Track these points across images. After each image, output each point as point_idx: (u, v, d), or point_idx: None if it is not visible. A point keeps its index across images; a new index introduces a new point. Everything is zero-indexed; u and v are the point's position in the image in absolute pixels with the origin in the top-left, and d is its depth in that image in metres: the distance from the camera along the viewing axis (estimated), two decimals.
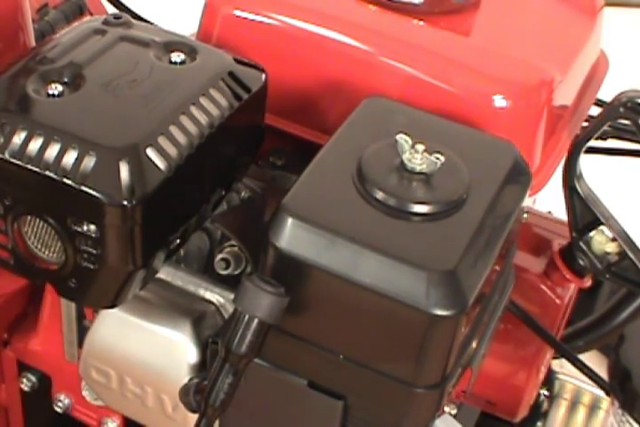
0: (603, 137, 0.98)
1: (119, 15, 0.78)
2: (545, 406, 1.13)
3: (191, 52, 0.75)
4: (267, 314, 0.60)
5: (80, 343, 0.86)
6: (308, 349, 0.66)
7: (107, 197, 0.65)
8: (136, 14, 1.01)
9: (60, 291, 0.73)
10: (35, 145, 0.66)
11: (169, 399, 0.79)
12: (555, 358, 1.03)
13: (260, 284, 0.60)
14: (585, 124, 0.91)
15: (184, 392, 0.70)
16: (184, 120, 0.70)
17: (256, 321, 0.60)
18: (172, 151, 0.68)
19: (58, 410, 0.96)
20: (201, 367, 0.74)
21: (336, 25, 0.82)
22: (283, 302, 0.60)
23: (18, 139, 0.67)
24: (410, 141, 0.66)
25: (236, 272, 0.76)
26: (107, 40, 0.75)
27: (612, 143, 1.03)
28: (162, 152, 0.67)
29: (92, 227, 0.66)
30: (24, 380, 0.98)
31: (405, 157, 0.66)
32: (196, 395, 0.68)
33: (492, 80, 0.80)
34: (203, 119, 0.71)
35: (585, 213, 0.88)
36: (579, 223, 0.89)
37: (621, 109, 0.82)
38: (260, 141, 0.80)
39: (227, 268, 0.76)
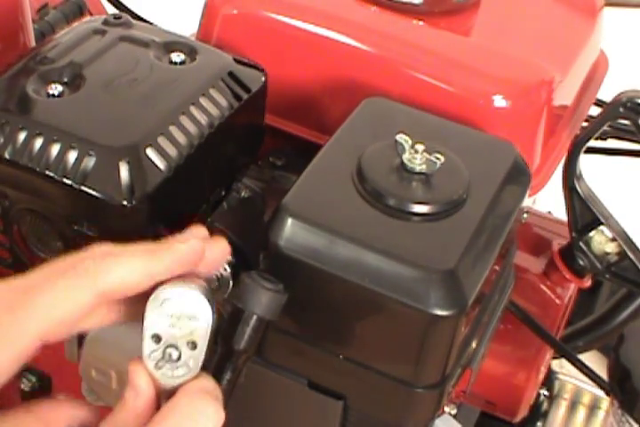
0: (603, 137, 0.98)
1: (119, 15, 0.78)
2: (545, 406, 1.13)
3: (191, 52, 0.75)
4: (265, 310, 0.60)
5: (80, 343, 0.86)
6: (308, 349, 0.66)
7: (106, 196, 0.65)
8: (136, 14, 1.01)
9: None
10: (35, 145, 0.66)
11: None
12: (555, 358, 1.03)
13: (259, 280, 0.60)
14: (585, 124, 0.91)
15: None
16: (184, 120, 0.70)
17: (255, 317, 0.60)
18: (172, 151, 0.68)
19: None
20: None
21: (336, 25, 0.82)
22: (281, 298, 0.60)
23: (18, 139, 0.67)
24: (410, 141, 0.66)
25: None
26: (107, 40, 0.75)
27: (612, 143, 1.03)
28: (162, 152, 0.67)
29: (92, 227, 0.67)
30: (24, 380, 0.98)
31: (405, 157, 0.66)
32: None
33: (492, 80, 0.80)
34: (202, 119, 0.71)
35: (585, 213, 0.88)
36: (578, 223, 0.89)
37: (621, 109, 0.82)
38: (259, 141, 0.80)
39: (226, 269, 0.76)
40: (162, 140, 0.68)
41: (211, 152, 0.72)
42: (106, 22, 0.77)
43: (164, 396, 0.57)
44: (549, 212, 1.09)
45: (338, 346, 0.65)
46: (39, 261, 0.71)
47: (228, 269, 0.68)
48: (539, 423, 1.12)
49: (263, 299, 0.60)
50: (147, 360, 0.57)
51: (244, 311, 0.60)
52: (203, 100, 0.71)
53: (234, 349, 0.61)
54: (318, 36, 0.82)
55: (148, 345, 0.57)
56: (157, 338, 0.57)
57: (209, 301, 0.56)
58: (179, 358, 0.56)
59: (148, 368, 0.57)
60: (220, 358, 0.62)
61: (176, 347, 0.56)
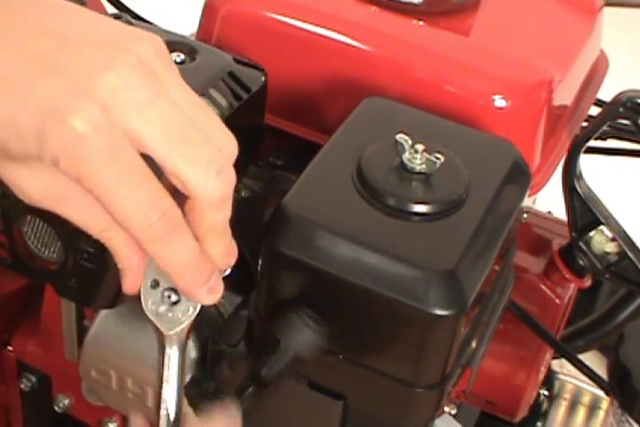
0: (603, 137, 0.98)
1: (119, 15, 0.78)
2: (545, 406, 1.13)
3: (191, 52, 0.75)
4: (303, 349, 0.60)
5: (80, 343, 0.86)
6: None
7: None
8: (136, 14, 1.01)
9: (60, 291, 0.73)
10: None
11: None
12: (555, 358, 1.03)
13: (305, 318, 0.60)
14: (585, 124, 0.91)
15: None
16: None
17: (290, 354, 0.60)
18: None
19: (58, 410, 0.96)
20: (200, 366, 0.74)
21: (336, 25, 0.82)
22: (322, 341, 0.60)
23: None
24: (409, 141, 0.66)
25: None
26: None
27: (612, 143, 1.03)
28: None
29: None
30: (24, 380, 0.98)
31: (405, 157, 0.66)
32: (194, 388, 0.68)
33: (491, 80, 0.80)
34: None
35: (585, 213, 0.88)
36: (578, 223, 0.89)
37: (621, 109, 0.82)
38: (260, 141, 0.80)
39: None
40: None
41: None
42: None
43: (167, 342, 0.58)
44: (549, 212, 1.09)
45: (338, 346, 0.65)
46: (39, 261, 0.71)
47: None
48: (539, 423, 1.12)
49: (304, 338, 0.60)
50: (146, 307, 0.57)
51: (280, 345, 0.60)
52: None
53: (260, 377, 0.61)
54: (318, 35, 0.82)
55: (147, 292, 0.57)
56: (156, 283, 0.57)
57: None
58: (177, 301, 0.57)
59: (149, 317, 0.57)
60: (245, 381, 0.62)
61: (174, 289, 0.57)
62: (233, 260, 0.57)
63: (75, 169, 0.49)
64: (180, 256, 0.53)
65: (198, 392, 0.70)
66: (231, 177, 0.53)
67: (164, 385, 0.58)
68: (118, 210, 0.50)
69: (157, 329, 0.57)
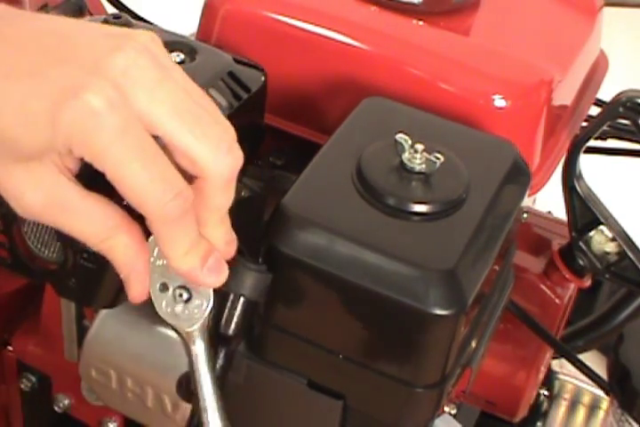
0: (603, 137, 0.98)
1: (119, 15, 0.78)
2: (545, 406, 1.13)
3: (191, 51, 0.75)
4: (252, 292, 0.60)
5: (80, 343, 0.86)
6: (308, 348, 0.66)
7: None
8: (136, 14, 1.01)
9: (60, 291, 0.73)
10: None
11: (169, 399, 0.79)
12: (555, 358, 1.03)
13: (243, 262, 0.60)
14: (585, 124, 0.91)
15: (178, 383, 0.70)
16: None
17: (242, 300, 0.60)
18: None
19: (58, 410, 0.96)
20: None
21: (336, 25, 0.83)
22: (266, 278, 0.61)
23: None
24: (409, 141, 0.66)
25: None
26: None
27: (612, 143, 1.03)
28: None
29: None
30: (24, 380, 0.98)
31: (405, 156, 0.66)
32: (190, 384, 0.68)
33: (491, 80, 0.80)
34: None
35: (584, 213, 0.88)
36: (578, 223, 0.89)
37: (621, 109, 0.82)
38: (260, 141, 0.80)
39: None
40: None
41: None
42: (105, 22, 0.76)
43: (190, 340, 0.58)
44: (549, 212, 1.09)
45: (337, 346, 0.65)
46: (39, 261, 0.71)
47: None
48: (539, 423, 1.12)
49: (250, 279, 0.60)
50: (161, 310, 0.57)
51: (230, 295, 0.60)
52: None
53: (224, 335, 0.61)
54: (318, 35, 0.82)
55: (158, 297, 0.57)
56: (164, 286, 0.57)
57: None
58: (189, 298, 0.57)
59: (167, 320, 0.57)
60: (211, 344, 0.62)
61: (184, 287, 0.57)
62: (234, 248, 0.57)
63: (89, 146, 0.49)
64: (185, 239, 0.53)
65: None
66: (239, 155, 0.54)
67: (199, 382, 0.58)
68: (132, 188, 0.50)
69: (178, 331, 0.57)
